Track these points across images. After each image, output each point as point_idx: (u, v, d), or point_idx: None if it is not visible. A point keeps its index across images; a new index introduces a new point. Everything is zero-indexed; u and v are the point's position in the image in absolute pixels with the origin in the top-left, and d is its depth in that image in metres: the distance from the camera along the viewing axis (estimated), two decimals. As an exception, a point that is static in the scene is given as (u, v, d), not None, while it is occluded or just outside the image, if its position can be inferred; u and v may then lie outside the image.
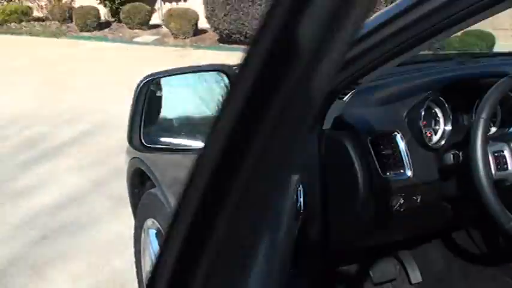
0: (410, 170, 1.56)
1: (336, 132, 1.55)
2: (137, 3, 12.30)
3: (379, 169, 1.51)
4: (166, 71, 1.34)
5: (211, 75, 1.33)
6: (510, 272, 2.17)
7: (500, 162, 1.57)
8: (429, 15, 1.03)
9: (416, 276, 2.19)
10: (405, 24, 1.10)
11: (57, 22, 12.94)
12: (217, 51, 10.32)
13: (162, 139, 1.39)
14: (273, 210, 0.70)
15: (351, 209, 1.57)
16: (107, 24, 12.84)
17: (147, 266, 2.46)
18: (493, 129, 1.77)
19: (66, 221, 3.78)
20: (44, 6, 13.32)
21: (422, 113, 1.60)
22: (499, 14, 1.01)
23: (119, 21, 12.63)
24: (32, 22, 13.17)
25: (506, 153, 1.58)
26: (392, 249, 2.19)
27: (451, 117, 1.69)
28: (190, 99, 1.40)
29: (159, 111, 1.39)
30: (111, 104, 6.34)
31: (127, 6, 12.25)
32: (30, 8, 13.42)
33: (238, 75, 0.40)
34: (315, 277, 1.57)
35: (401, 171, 1.56)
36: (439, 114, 1.69)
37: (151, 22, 12.57)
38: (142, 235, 2.46)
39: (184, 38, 11.49)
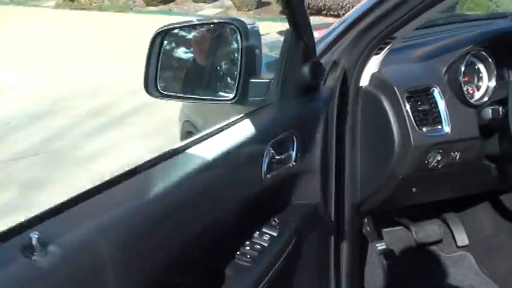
0: (449, 126, 1.53)
1: (372, 88, 1.55)
2: (201, -24, 12.44)
3: (415, 124, 1.50)
4: (179, 23, 1.42)
5: (224, 28, 1.38)
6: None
7: None
8: None
9: (462, 239, 2.16)
10: None
11: (124, -3, 13.32)
12: (280, 23, 10.27)
13: (176, 87, 1.48)
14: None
15: (386, 165, 1.57)
16: (171, -1, 13.10)
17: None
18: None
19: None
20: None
21: (463, 68, 1.57)
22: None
23: (184, -6, 12.84)
24: (100, -3, 13.63)
25: None
26: (438, 210, 2.16)
27: (495, 72, 1.64)
28: (203, 50, 1.46)
29: (173, 61, 1.46)
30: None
31: (191, -20, 12.41)
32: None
33: None
34: (353, 238, 1.59)
35: (439, 127, 1.54)
36: (482, 69, 1.64)
37: (215, -5, 12.69)
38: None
39: (248, 10, 11.52)
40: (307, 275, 1.43)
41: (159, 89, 1.36)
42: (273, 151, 1.23)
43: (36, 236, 0.71)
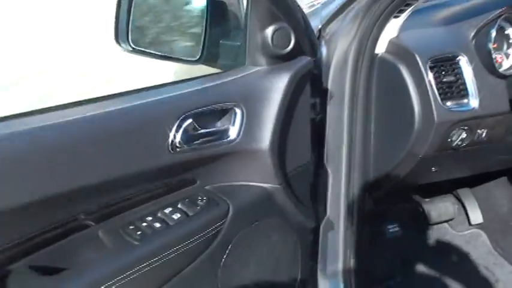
0: (476, 99, 1.36)
1: (390, 55, 1.37)
2: None
3: (438, 98, 1.33)
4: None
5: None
6: None
7: None
8: None
9: (476, 217, 2.02)
10: None
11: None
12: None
13: (147, 42, 1.32)
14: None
15: (404, 143, 1.40)
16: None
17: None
18: None
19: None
20: None
21: (493, 34, 1.38)
22: None
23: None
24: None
25: None
26: (452, 187, 2.02)
27: None
28: (176, 9, 1.30)
29: (145, 11, 1.29)
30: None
31: None
32: None
33: None
34: (361, 220, 1.44)
35: (465, 101, 1.36)
36: (513, 35, 1.46)
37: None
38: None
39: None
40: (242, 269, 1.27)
41: (130, 42, 1.23)
42: (194, 122, 1.08)
43: None
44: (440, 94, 1.33)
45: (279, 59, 1.19)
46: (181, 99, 1.07)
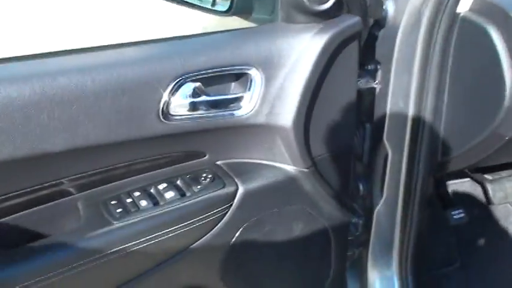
0: None
1: (476, 15, 1.06)
2: None
3: None
4: None
5: None
6: None
7: None
8: None
9: None
10: None
11: None
12: None
13: None
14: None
15: (488, 121, 1.11)
16: None
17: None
18: None
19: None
20: None
21: None
22: None
23: None
24: None
25: None
26: None
27: None
28: None
29: None
30: None
31: None
32: None
33: None
34: (423, 205, 1.20)
35: None
36: None
37: None
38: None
39: None
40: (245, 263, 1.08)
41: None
42: (198, 86, 0.89)
43: None
44: None
45: (317, 17, 0.95)
46: (182, 56, 0.88)
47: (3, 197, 0.82)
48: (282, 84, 0.93)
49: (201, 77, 0.89)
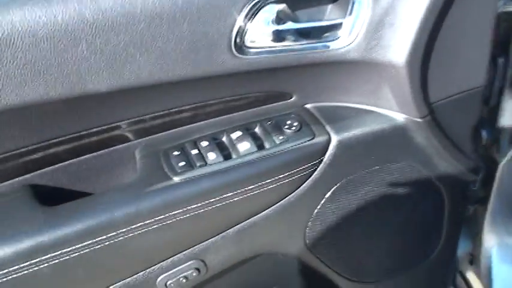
0: None
1: None
2: None
3: None
4: None
5: None
6: None
7: None
8: None
9: None
10: None
11: None
12: None
13: None
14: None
15: None
16: None
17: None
18: None
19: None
20: None
21: None
22: None
23: None
24: None
25: None
26: None
27: None
28: None
29: None
30: None
31: None
32: None
33: None
34: None
35: None
36: None
37: None
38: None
39: None
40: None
41: None
42: (281, 11, 0.68)
43: None
44: None
45: None
46: None
47: (43, 144, 0.68)
48: (394, 7, 0.70)
49: None
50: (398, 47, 0.71)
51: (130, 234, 0.69)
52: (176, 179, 0.71)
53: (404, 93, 0.76)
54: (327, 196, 0.81)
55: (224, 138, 0.76)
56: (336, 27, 0.71)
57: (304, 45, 0.71)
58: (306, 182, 0.78)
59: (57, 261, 0.66)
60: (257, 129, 0.77)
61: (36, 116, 0.64)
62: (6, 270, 0.63)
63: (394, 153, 0.83)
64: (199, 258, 0.78)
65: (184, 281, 0.78)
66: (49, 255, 0.65)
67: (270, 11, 0.67)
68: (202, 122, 0.77)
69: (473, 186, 1.04)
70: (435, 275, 1.01)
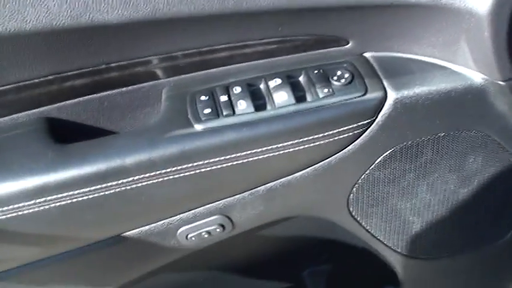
0: None
1: None
2: None
3: None
4: None
5: None
6: None
7: None
8: None
9: None
10: None
11: None
12: None
13: None
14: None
15: None
16: None
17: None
18: None
19: None
20: None
21: None
22: None
23: None
24: None
25: None
26: None
27: None
28: None
29: None
30: None
31: None
32: None
33: None
34: None
35: None
36: None
37: None
38: None
39: None
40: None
41: None
42: None
43: None
44: None
45: None
46: None
47: (58, 75, 0.62)
48: None
49: None
50: None
51: (144, 183, 0.63)
52: (198, 127, 0.63)
53: (486, 49, 0.61)
54: (376, 162, 0.70)
55: (261, 86, 0.66)
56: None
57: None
58: (353, 145, 0.67)
59: (64, 203, 0.61)
60: (301, 78, 0.67)
61: (46, 45, 0.58)
62: (10, 207, 0.60)
63: (466, 120, 0.70)
64: (224, 214, 0.71)
65: (206, 236, 0.72)
66: (55, 196, 0.61)
67: None
68: (238, 65, 0.67)
69: None
70: (500, 263, 0.88)
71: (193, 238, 0.71)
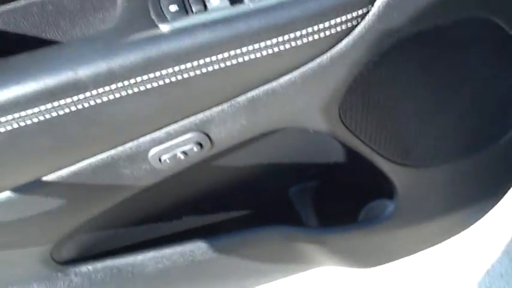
0: None
1: None
2: None
3: None
4: None
5: None
6: None
7: None
8: None
9: None
10: None
11: None
12: None
13: None
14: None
15: None
16: None
17: None
18: None
19: None
20: None
21: None
22: None
23: None
24: None
25: None
26: None
27: None
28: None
29: None
30: None
31: None
32: None
33: None
34: None
35: None
36: None
37: None
38: None
39: None
40: None
41: None
42: None
43: None
44: None
45: None
46: None
47: None
48: None
49: None
50: None
51: (104, 98, 0.53)
52: (164, 27, 0.52)
53: None
54: (372, 60, 0.61)
55: None
56: None
57: None
58: (346, 40, 0.58)
59: (10, 127, 0.52)
60: None
61: None
62: None
63: (470, 4, 0.61)
64: (201, 130, 0.62)
65: (183, 157, 0.63)
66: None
67: None
68: None
69: None
70: (502, 162, 0.82)
71: (167, 160, 0.63)
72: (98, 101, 0.52)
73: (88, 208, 0.66)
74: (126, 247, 0.76)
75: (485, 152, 0.80)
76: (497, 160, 0.82)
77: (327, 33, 0.56)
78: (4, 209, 0.62)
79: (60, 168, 0.59)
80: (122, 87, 0.52)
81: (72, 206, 0.65)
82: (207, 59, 0.54)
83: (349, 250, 0.87)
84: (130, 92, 0.53)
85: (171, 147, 0.62)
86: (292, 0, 0.54)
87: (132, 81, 0.52)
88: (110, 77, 0.51)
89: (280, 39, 0.55)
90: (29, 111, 0.51)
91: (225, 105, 0.60)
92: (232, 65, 0.55)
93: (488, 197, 0.85)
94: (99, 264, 0.74)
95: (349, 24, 0.57)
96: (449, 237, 0.88)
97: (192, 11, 0.53)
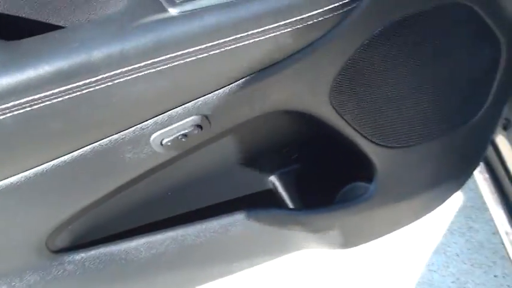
0: None
1: None
2: None
3: None
4: None
5: None
6: None
7: None
8: None
9: None
10: None
11: None
12: None
13: None
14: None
15: None
16: None
17: None
18: None
19: None
20: None
21: None
22: None
23: None
24: None
25: None
26: None
27: None
28: None
29: None
30: None
31: None
32: None
33: None
34: None
35: None
36: None
37: None
38: None
39: None
40: None
41: None
42: None
43: None
44: None
45: None
46: None
47: None
48: None
49: None
50: None
51: (115, 81, 0.54)
52: (173, 11, 0.54)
53: None
54: (362, 44, 0.65)
55: None
56: None
57: None
58: (340, 25, 0.61)
59: (22, 111, 0.52)
60: None
61: None
62: None
63: None
64: (201, 113, 0.64)
65: (183, 139, 0.65)
66: (11, 104, 0.51)
67: None
68: None
69: None
70: (470, 143, 0.88)
71: (168, 143, 0.64)
72: (110, 83, 0.53)
73: (86, 194, 0.66)
74: (118, 234, 0.77)
75: (455, 133, 0.85)
76: (465, 141, 0.88)
77: (322, 18, 0.59)
78: (3, 197, 0.61)
79: (64, 154, 0.59)
80: (134, 69, 0.53)
81: (72, 192, 0.65)
82: (215, 42, 0.56)
83: (329, 230, 0.90)
84: (141, 74, 0.54)
85: (172, 130, 0.63)
86: None
87: (143, 64, 0.54)
88: (122, 59, 0.52)
89: (281, 23, 0.58)
90: (42, 95, 0.51)
91: (226, 89, 0.62)
92: (235, 47, 0.57)
93: (459, 175, 0.91)
94: (93, 252, 0.74)
95: (342, 10, 0.60)
96: (424, 215, 0.93)
97: None
